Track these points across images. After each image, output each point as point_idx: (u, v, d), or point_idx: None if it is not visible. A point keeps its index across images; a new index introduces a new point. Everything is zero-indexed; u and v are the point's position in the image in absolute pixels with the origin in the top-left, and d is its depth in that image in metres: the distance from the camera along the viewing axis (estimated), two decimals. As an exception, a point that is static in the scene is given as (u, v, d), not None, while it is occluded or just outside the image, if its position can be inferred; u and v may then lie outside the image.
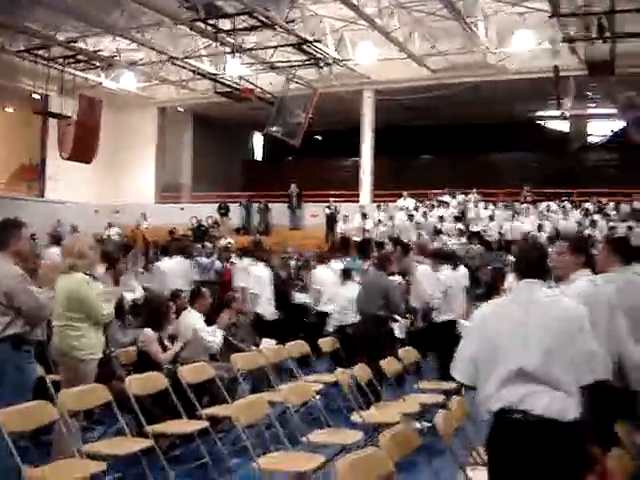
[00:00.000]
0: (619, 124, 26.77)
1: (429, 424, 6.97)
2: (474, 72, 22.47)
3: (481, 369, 3.71)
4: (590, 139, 29.88)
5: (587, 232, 19.86)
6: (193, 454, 5.96)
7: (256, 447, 5.45)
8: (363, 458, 3.83)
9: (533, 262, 3.91)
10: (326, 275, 11.63)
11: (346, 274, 10.49)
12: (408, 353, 8.25)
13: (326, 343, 8.96)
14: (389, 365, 7.52)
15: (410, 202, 24.06)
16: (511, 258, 18.72)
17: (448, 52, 22.27)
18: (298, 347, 8.57)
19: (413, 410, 6.84)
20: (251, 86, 21.46)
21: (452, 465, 4.78)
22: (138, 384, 5.95)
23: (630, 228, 19.60)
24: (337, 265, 11.73)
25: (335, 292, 10.56)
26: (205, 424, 5.90)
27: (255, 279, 10.76)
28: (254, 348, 8.35)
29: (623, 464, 4.01)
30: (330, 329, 10.28)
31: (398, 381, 7.95)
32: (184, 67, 23.22)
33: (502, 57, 22.08)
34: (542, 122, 30.36)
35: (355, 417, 6.38)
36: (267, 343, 8.92)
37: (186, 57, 22.55)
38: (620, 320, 4.50)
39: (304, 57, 21.22)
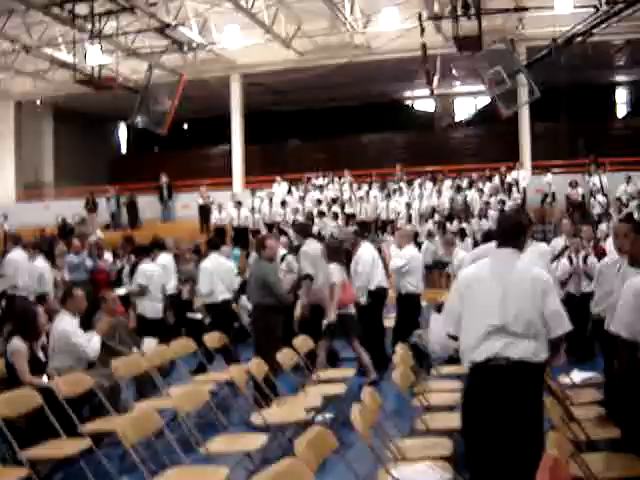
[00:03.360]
0: (483, 100, 27.36)
1: (332, 415, 6.61)
2: (341, 53, 22.19)
3: (464, 324, 4.32)
4: (457, 116, 30.39)
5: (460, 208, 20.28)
6: (77, 477, 5.29)
7: (147, 462, 4.85)
8: (281, 473, 3.36)
9: (509, 232, 4.48)
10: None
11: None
12: (304, 342, 7.82)
13: (213, 339, 8.41)
14: (285, 357, 7.07)
15: (284, 187, 23.66)
16: (388, 237, 18.79)
17: (314, 33, 21.94)
18: (183, 345, 8.00)
19: (316, 404, 6.39)
20: (113, 74, 20.41)
21: (370, 462, 4.38)
22: (7, 403, 5.19)
23: (503, 202, 19.99)
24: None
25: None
26: (88, 442, 5.24)
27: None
28: (135, 350, 7.69)
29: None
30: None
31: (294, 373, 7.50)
32: (40, 57, 21.86)
33: (369, 37, 21.93)
34: (410, 101, 30.62)
35: (255, 418, 5.88)
36: (149, 343, 8.29)
37: (41, 46, 21.22)
38: None
39: (167, 42, 20.35)
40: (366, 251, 10.03)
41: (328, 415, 6.53)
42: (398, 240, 10.70)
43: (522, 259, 4.47)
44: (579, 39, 17.87)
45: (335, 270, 8.74)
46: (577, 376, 6.54)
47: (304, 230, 9.97)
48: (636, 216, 18.00)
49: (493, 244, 4.79)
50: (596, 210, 19.83)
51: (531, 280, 4.29)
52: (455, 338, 4.41)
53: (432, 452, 4.64)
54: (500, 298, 4.21)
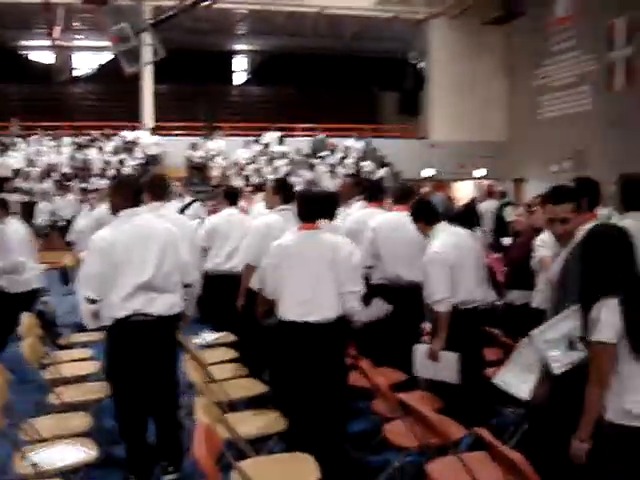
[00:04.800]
0: (106, 57, 26.63)
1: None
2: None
3: (106, 284, 4.31)
4: (76, 71, 29.16)
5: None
6: None
7: None
8: None
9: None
10: None
11: None
12: None
13: None
14: None
15: None
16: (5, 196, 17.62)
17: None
18: None
19: None
20: None
21: (4, 446, 4.05)
22: None
23: (121, 162, 19.89)
24: None
25: None
26: None
27: None
28: None
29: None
30: None
31: None
32: None
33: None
34: (26, 52, 28.71)
35: None
36: None
37: None
38: None
39: None
40: None
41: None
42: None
43: (170, 214, 4.99)
44: (204, 4, 18.21)
45: None
46: (208, 336, 6.68)
47: None
48: (254, 180, 19.03)
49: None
50: (215, 173, 20.58)
51: (168, 233, 4.54)
52: (94, 301, 4.40)
53: (70, 429, 4.41)
54: (146, 255, 4.36)
